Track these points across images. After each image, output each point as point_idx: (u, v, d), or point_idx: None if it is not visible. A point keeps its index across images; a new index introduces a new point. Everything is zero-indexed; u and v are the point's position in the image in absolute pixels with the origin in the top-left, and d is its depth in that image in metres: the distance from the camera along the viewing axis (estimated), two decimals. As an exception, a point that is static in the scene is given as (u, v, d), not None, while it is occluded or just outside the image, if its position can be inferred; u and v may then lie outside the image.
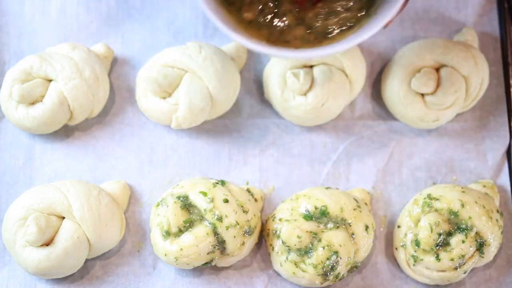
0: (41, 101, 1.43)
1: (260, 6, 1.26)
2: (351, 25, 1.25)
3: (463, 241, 1.35)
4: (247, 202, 1.39)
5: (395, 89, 1.47)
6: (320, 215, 1.37)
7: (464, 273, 1.38)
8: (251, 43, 1.18)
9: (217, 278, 1.43)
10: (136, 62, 1.54)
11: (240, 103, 1.53)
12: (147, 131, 1.51)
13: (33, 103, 1.43)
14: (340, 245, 1.35)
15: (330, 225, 1.37)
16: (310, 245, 1.36)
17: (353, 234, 1.37)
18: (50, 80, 1.44)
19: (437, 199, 1.39)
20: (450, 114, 1.47)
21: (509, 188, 1.49)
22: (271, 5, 1.26)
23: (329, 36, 1.25)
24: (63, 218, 1.37)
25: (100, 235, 1.37)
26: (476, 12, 1.56)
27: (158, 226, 1.37)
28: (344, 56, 1.45)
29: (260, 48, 1.18)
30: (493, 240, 1.37)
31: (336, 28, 1.25)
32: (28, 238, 1.33)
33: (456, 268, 1.36)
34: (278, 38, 1.26)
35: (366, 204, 1.44)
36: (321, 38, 1.25)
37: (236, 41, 1.19)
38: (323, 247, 1.35)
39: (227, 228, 1.34)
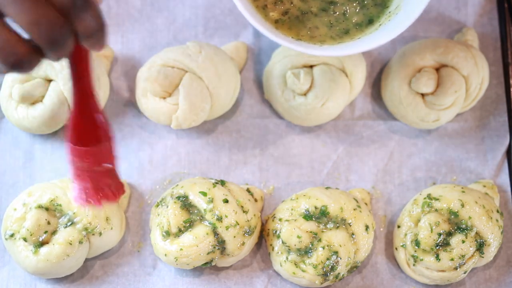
0: (41, 101, 1.43)
1: (284, 9, 1.28)
2: (372, 22, 1.28)
3: (463, 241, 1.35)
4: (247, 202, 1.39)
5: (395, 89, 1.47)
6: (320, 215, 1.37)
7: (464, 273, 1.38)
8: (279, 39, 1.20)
9: (217, 278, 1.43)
10: (136, 62, 1.54)
11: (240, 103, 1.52)
12: (147, 131, 1.51)
13: (33, 103, 1.43)
14: (340, 245, 1.35)
15: (330, 225, 1.37)
16: (310, 245, 1.36)
17: (353, 234, 1.37)
18: (50, 80, 1.43)
19: (437, 199, 1.39)
20: (450, 114, 1.47)
21: (509, 188, 1.49)
22: (295, 7, 1.29)
23: (350, 33, 1.28)
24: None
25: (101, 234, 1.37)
26: (476, 12, 1.56)
27: (158, 226, 1.37)
28: (344, 56, 1.45)
29: (288, 44, 1.20)
30: (493, 240, 1.37)
31: (357, 26, 1.28)
32: None
33: (456, 268, 1.36)
34: (306, 34, 1.28)
35: (366, 204, 1.44)
36: (342, 35, 1.28)
37: (267, 36, 1.20)
38: (323, 247, 1.35)
39: (227, 228, 1.34)
